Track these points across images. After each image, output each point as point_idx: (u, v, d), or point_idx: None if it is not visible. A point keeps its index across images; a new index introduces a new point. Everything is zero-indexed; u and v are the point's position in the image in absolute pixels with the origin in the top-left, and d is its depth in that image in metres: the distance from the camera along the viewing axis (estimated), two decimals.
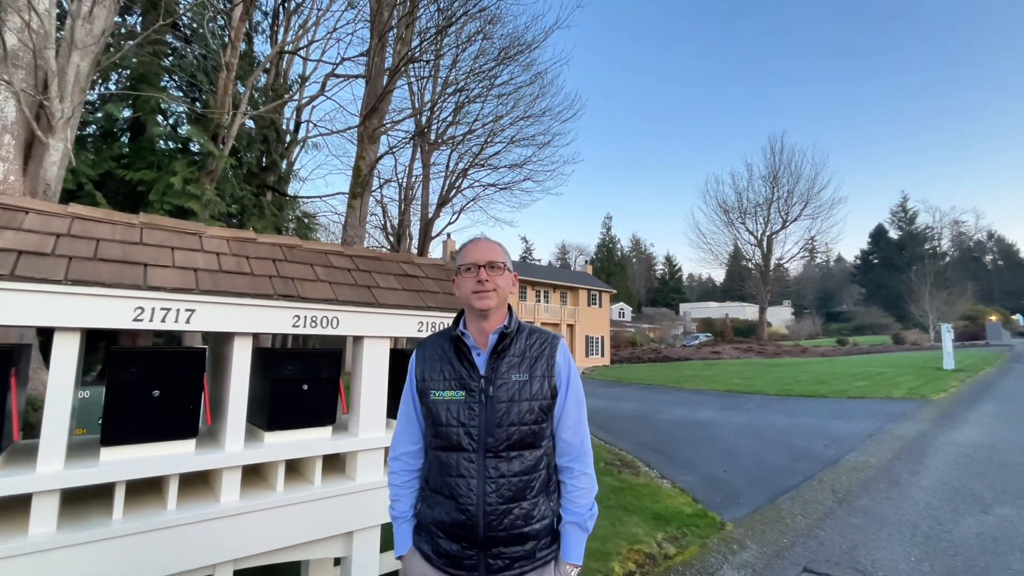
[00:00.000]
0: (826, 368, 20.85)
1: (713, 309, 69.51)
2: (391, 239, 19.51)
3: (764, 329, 48.53)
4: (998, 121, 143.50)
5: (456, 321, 1.59)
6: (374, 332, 2.69)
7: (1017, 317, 58.34)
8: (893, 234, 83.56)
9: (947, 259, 74.30)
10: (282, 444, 2.40)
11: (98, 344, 6.93)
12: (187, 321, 2.12)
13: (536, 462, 1.46)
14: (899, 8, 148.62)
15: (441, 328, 2.81)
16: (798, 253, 57.12)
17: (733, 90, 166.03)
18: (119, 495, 1.98)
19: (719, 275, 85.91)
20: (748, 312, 60.70)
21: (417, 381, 1.54)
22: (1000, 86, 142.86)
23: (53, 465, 1.83)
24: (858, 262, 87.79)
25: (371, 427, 2.67)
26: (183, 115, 8.73)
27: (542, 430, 1.48)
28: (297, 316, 2.43)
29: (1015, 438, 8.04)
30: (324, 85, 12.58)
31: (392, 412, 2.82)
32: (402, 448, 1.60)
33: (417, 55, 10.82)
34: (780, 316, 65.61)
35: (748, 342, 43.14)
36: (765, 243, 50.88)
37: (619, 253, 79.86)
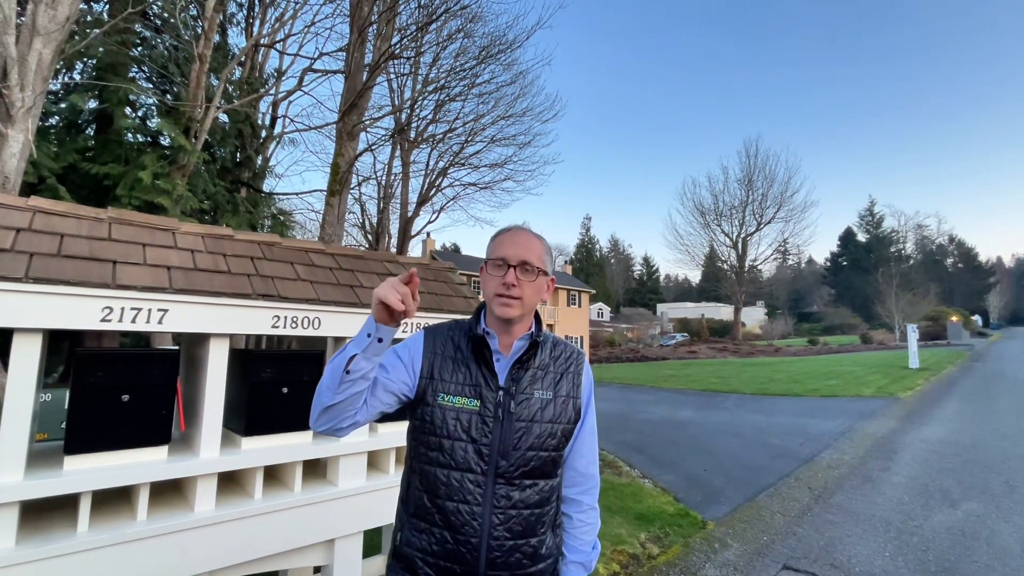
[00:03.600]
0: (799, 367, 21.37)
1: (689, 309, 70.64)
2: (370, 238, 19.23)
3: (739, 329, 49.50)
4: (959, 130, 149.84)
5: (477, 314, 1.34)
6: None
7: (976, 318, 60.90)
8: (861, 237, 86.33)
9: (911, 262, 77.13)
10: (260, 450, 2.31)
11: (61, 343, 6.63)
12: (159, 321, 2.01)
13: (550, 493, 1.28)
14: (870, 24, 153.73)
15: (427, 327, 2.75)
16: (771, 255, 58.41)
17: (710, 95, 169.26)
18: (84, 506, 1.86)
19: (695, 276, 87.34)
20: (723, 312, 61.84)
21: (422, 377, 1.27)
22: (962, 99, 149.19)
23: (12, 475, 1.71)
24: (828, 264, 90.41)
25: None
26: (153, 107, 8.41)
27: (560, 457, 1.30)
28: (277, 316, 2.34)
29: (979, 434, 8.35)
30: (301, 80, 12.29)
31: None
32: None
33: (397, 52, 10.68)
34: (754, 316, 67.02)
35: (723, 342, 43.96)
36: (740, 245, 51.92)
37: (598, 254, 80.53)
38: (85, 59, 7.78)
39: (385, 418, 1.47)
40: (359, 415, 1.21)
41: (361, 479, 2.58)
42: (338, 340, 2.63)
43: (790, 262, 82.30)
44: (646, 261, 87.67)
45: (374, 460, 2.79)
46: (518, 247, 1.27)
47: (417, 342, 1.33)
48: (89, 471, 1.87)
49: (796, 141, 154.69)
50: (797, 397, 13.13)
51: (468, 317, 1.38)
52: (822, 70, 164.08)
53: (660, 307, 76.60)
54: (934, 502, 5.19)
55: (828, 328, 63.93)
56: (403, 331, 2.79)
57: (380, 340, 1.16)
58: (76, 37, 6.61)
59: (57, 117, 7.75)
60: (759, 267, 56.02)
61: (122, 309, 1.93)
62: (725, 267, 54.27)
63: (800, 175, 64.04)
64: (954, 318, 43.90)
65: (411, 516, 1.26)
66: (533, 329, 1.32)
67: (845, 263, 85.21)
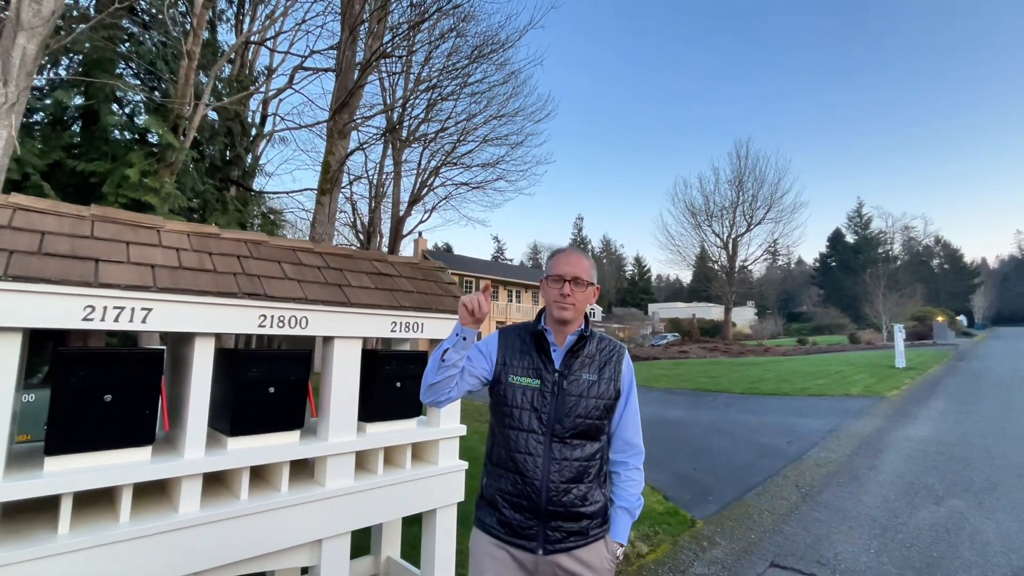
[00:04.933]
0: (788, 367, 21.57)
1: (681, 309, 70.99)
2: (361, 237, 19.14)
3: (729, 329, 49.84)
4: (946, 134, 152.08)
5: (538, 317, 1.76)
6: (346, 332, 2.60)
7: (961, 318, 61.77)
8: (849, 238, 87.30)
9: (899, 262, 78.11)
10: (246, 450, 2.29)
11: (45, 344, 6.53)
12: (143, 321, 1.99)
13: (595, 452, 1.63)
14: (859, 31, 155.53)
15: (416, 327, 2.75)
16: (761, 255, 58.72)
17: (701, 98, 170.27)
18: (65, 508, 1.83)
19: (686, 276, 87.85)
20: (714, 312, 62.25)
21: (497, 364, 1.70)
22: (949, 103, 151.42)
23: None
24: (817, 264, 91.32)
25: (342, 431, 2.57)
26: (140, 104, 8.31)
27: (603, 425, 1.66)
28: (264, 316, 2.32)
29: (963, 433, 8.48)
30: (292, 78, 12.21)
31: (363, 415, 2.73)
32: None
33: (389, 50, 10.63)
34: (744, 316, 67.53)
35: (714, 342, 44.21)
36: (731, 245, 52.24)
37: (590, 254, 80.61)
38: (71, 54, 7.67)
39: (470, 393, 1.81)
40: (452, 392, 1.65)
41: (349, 479, 2.57)
42: (327, 339, 2.61)
43: (780, 263, 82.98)
44: (638, 261, 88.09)
45: (362, 460, 2.78)
46: (571, 265, 1.66)
47: (493, 339, 1.76)
48: (70, 472, 1.84)
49: (786, 143, 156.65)
50: (786, 396, 13.26)
51: (530, 320, 1.80)
52: (812, 75, 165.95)
53: (651, 307, 76.94)
54: (919, 499, 5.26)
55: (817, 328, 64.55)
56: (393, 331, 2.78)
57: (464, 338, 1.59)
58: (61, 32, 6.52)
59: (42, 113, 7.63)
60: (749, 267, 56.40)
61: (104, 308, 1.90)
62: (716, 267, 54.61)
63: (790, 176, 64.66)
64: (940, 318, 44.52)
65: (493, 466, 1.69)
66: (583, 327, 1.69)
67: (834, 264, 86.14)
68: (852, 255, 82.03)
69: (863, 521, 4.69)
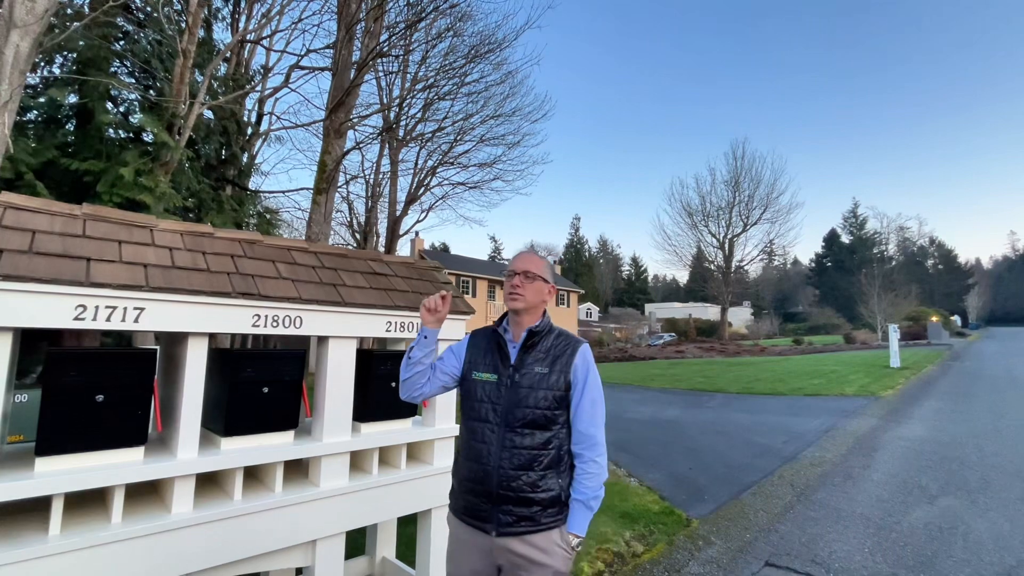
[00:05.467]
0: (784, 367, 21.63)
1: (677, 309, 71.14)
2: (357, 237, 19.09)
3: (725, 329, 49.98)
4: (941, 135, 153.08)
5: (500, 319, 1.91)
6: (340, 332, 2.59)
7: (956, 318, 62.12)
8: (845, 238, 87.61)
9: (893, 263, 78.44)
10: (240, 450, 2.28)
11: (39, 344, 6.48)
12: (135, 320, 1.97)
13: (545, 442, 1.72)
14: (854, 34, 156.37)
15: (411, 327, 2.76)
16: (758, 256, 59.02)
17: (697, 99, 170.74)
18: (56, 509, 1.82)
19: (683, 276, 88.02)
20: (710, 312, 62.37)
21: (465, 363, 1.88)
22: (944, 105, 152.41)
23: None
24: (813, 265, 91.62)
25: (336, 431, 2.56)
26: (135, 103, 8.27)
27: (555, 416, 1.73)
28: (257, 315, 2.31)
29: (956, 432, 8.52)
30: (288, 77, 12.18)
31: (358, 415, 2.73)
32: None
33: (386, 50, 10.61)
34: (740, 316, 67.67)
35: (710, 341, 44.32)
36: (727, 245, 52.41)
37: (587, 254, 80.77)
38: (65, 53, 7.62)
39: (446, 390, 1.98)
40: (424, 388, 1.86)
41: (343, 479, 2.56)
42: (322, 339, 2.60)
43: (776, 263, 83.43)
44: (634, 261, 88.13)
45: (357, 461, 2.77)
46: (523, 262, 1.87)
47: (464, 341, 1.97)
48: (61, 473, 1.83)
49: (782, 143, 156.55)
50: (781, 396, 13.30)
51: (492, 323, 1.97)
52: (808, 76, 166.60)
53: (648, 307, 77.05)
54: (912, 498, 5.29)
55: (813, 328, 64.77)
56: (388, 330, 2.78)
57: (426, 337, 1.85)
58: (56, 30, 6.47)
59: (36, 112, 7.58)
60: (746, 268, 56.64)
61: (96, 308, 1.89)
62: (712, 267, 54.76)
63: (786, 177, 64.65)
64: (934, 318, 44.71)
65: (460, 454, 1.86)
66: (537, 323, 1.83)
67: (829, 264, 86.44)
68: (848, 255, 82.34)
69: (857, 520, 4.71)
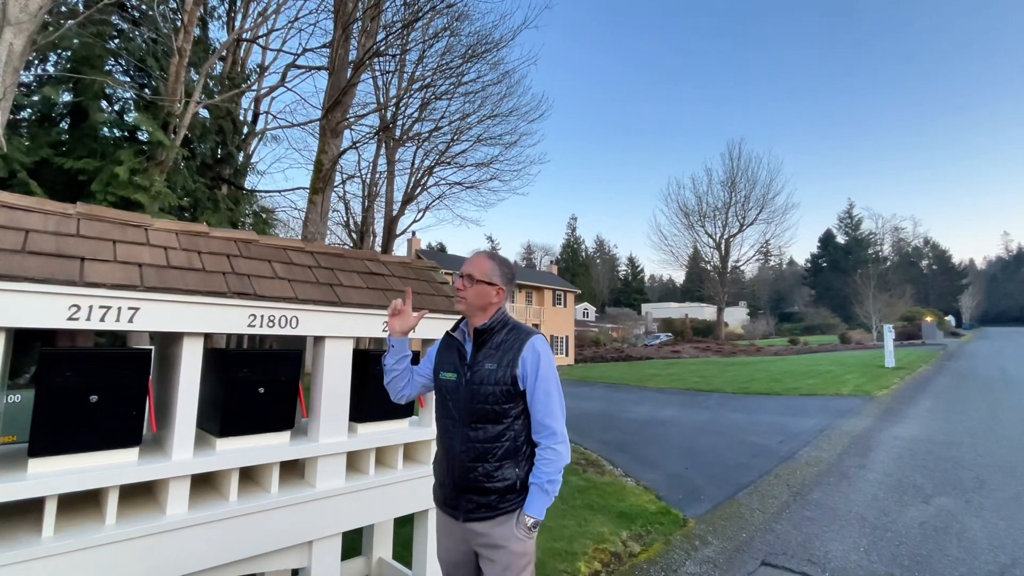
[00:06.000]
0: (779, 367, 21.71)
1: (673, 309, 71.23)
2: (354, 236, 19.03)
3: (721, 329, 50.14)
4: (935, 136, 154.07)
5: (458, 320, 2.00)
6: (337, 332, 2.58)
7: (950, 318, 62.47)
8: (840, 239, 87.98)
9: (888, 263, 78.86)
10: (236, 451, 2.26)
11: (33, 344, 6.43)
12: (130, 320, 1.96)
13: (498, 435, 1.79)
14: (851, 36, 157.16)
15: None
16: (754, 256, 59.27)
17: (694, 99, 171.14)
18: (50, 510, 1.80)
19: (679, 276, 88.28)
20: (706, 312, 62.49)
21: (435, 363, 1.99)
22: (939, 107, 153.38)
23: None
24: (808, 265, 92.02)
25: (332, 431, 2.55)
26: (130, 101, 8.21)
27: (505, 410, 1.80)
28: (253, 315, 2.30)
29: (950, 432, 8.57)
30: (284, 76, 12.12)
31: (355, 416, 2.71)
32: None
33: (383, 49, 10.58)
34: (736, 316, 67.86)
35: (707, 342, 44.47)
36: (723, 246, 52.59)
37: (584, 254, 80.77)
38: (59, 51, 7.56)
39: (427, 390, 2.11)
40: (406, 390, 2.03)
41: (340, 480, 2.55)
42: (318, 339, 2.59)
43: (772, 263, 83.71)
44: (631, 261, 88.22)
45: (353, 461, 2.76)
46: (467, 265, 1.93)
47: (437, 345, 2.06)
48: (55, 474, 1.81)
49: (778, 144, 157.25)
50: (777, 396, 13.35)
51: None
52: (804, 77, 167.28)
53: (645, 307, 77.14)
54: (907, 498, 5.31)
55: (808, 328, 65.05)
56: (384, 331, 2.77)
57: (393, 346, 2.01)
58: (49, 28, 6.42)
59: (30, 110, 7.53)
60: (742, 268, 56.89)
61: (90, 307, 1.88)
62: (708, 268, 54.96)
63: (781, 177, 64.64)
64: (928, 318, 44.98)
65: (437, 451, 1.97)
66: (486, 322, 1.89)
67: (825, 264, 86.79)
68: (843, 256, 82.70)
69: (853, 519, 4.73)
